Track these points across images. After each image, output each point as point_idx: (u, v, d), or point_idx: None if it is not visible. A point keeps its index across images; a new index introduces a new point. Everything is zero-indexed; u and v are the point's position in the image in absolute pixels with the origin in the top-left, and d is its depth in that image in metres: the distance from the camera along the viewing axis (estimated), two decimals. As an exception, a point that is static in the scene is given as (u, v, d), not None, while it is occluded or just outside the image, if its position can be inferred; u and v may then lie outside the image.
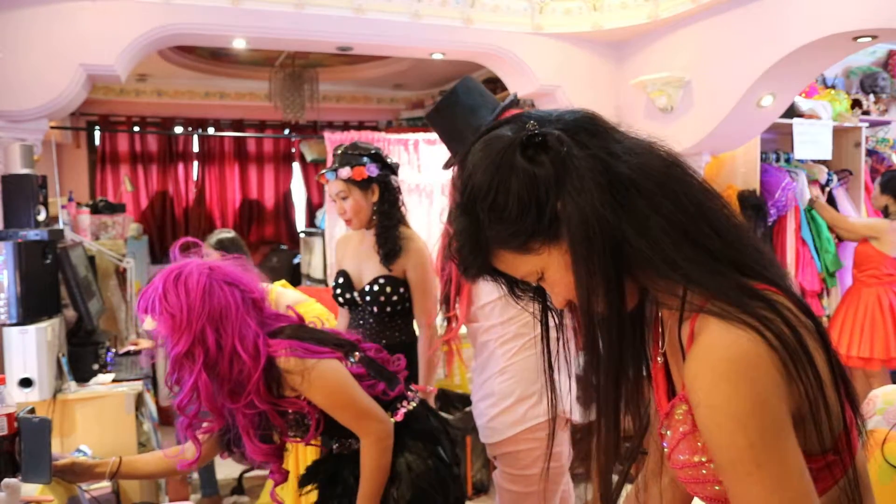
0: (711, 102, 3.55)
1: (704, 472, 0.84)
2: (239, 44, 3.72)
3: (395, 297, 2.39)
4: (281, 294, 3.02)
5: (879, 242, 3.96)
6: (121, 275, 3.82)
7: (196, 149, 6.69)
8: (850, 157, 4.48)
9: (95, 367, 2.82)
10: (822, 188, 4.32)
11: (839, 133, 4.35)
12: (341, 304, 2.50)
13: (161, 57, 5.19)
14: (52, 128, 3.67)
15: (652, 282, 0.86)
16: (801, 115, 4.16)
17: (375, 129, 6.76)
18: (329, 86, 6.33)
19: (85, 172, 6.28)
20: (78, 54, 3.15)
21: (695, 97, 3.65)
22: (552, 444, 1.88)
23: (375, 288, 2.39)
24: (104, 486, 2.15)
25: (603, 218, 0.80)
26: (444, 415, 3.48)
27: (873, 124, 4.70)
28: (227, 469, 3.90)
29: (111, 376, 2.85)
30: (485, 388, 1.92)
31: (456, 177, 0.93)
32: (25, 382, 2.47)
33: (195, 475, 3.44)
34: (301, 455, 2.54)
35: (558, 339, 0.96)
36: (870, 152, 4.65)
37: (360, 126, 6.92)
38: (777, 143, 4.43)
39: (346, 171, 2.37)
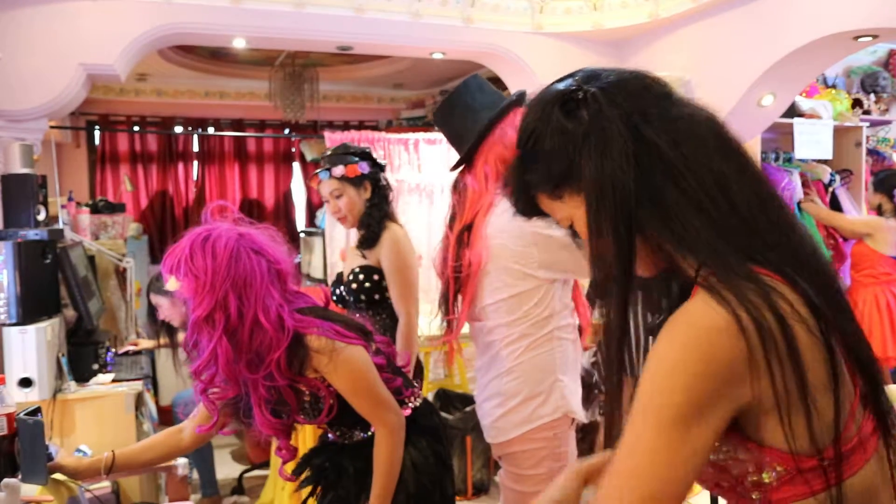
0: (711, 102, 3.51)
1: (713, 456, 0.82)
2: (239, 43, 3.72)
3: (367, 284, 2.47)
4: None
5: (874, 241, 3.95)
6: (121, 275, 3.82)
7: (196, 148, 6.68)
8: (850, 156, 4.47)
9: (95, 366, 2.82)
10: (826, 188, 4.32)
11: (840, 132, 4.35)
12: (335, 302, 2.59)
13: (161, 56, 5.18)
14: (51, 127, 3.67)
15: (672, 253, 0.86)
16: (801, 115, 4.15)
17: (375, 128, 6.76)
18: (329, 85, 6.32)
19: (85, 172, 6.27)
20: (78, 54, 3.14)
21: (695, 96, 3.63)
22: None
23: (352, 276, 2.50)
24: (104, 485, 2.15)
25: (619, 181, 0.81)
26: (444, 415, 3.48)
27: (874, 124, 4.70)
28: (227, 469, 3.90)
29: (111, 376, 2.85)
30: (490, 388, 1.90)
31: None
32: (25, 382, 2.46)
33: (195, 475, 3.44)
34: (301, 442, 2.56)
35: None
36: (870, 152, 4.65)
37: (361, 126, 6.92)
38: (777, 142, 4.42)
39: (339, 170, 2.49)
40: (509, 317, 1.81)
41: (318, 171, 2.55)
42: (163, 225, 6.44)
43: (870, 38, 3.07)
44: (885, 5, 2.79)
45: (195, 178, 6.66)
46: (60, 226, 3.33)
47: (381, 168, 2.60)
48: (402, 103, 7.13)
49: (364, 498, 1.66)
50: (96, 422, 2.62)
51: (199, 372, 1.57)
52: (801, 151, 4.06)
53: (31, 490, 1.63)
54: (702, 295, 0.77)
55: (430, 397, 3.74)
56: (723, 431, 0.76)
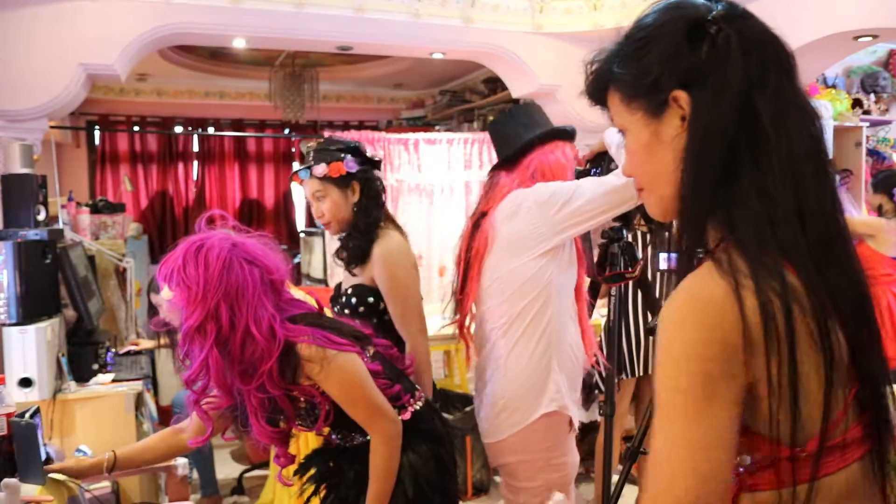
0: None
1: None
2: (239, 43, 3.72)
3: (361, 309, 2.04)
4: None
5: (876, 241, 3.95)
6: (120, 274, 3.82)
7: (196, 148, 6.69)
8: (850, 156, 4.47)
9: (95, 367, 2.81)
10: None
11: (840, 132, 4.35)
12: (338, 316, 2.30)
13: (161, 56, 5.18)
14: (51, 127, 3.67)
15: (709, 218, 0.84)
16: (801, 115, 4.15)
17: (375, 128, 6.76)
18: (329, 85, 6.32)
19: (85, 172, 6.27)
20: (78, 54, 3.14)
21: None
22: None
23: (344, 299, 2.10)
24: (104, 485, 2.15)
25: (719, 132, 0.79)
26: (444, 415, 3.47)
27: (874, 124, 4.70)
28: (227, 469, 3.89)
29: (111, 376, 2.85)
30: (486, 384, 1.92)
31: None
32: (25, 382, 2.46)
33: (195, 475, 3.44)
34: (303, 444, 2.53)
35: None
36: (870, 152, 4.64)
37: (361, 126, 6.92)
38: (777, 142, 4.42)
39: (321, 168, 2.07)
40: (501, 297, 1.87)
41: (298, 168, 2.15)
42: (163, 225, 6.44)
43: (870, 38, 3.07)
44: (885, 5, 2.79)
45: (195, 178, 6.67)
46: (60, 226, 3.33)
47: (375, 164, 2.18)
48: (402, 103, 7.13)
49: (363, 501, 1.66)
50: (96, 422, 2.62)
51: (192, 381, 1.58)
52: (801, 151, 4.05)
53: (30, 490, 1.63)
54: (707, 267, 0.77)
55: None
56: (740, 413, 0.75)
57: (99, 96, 5.87)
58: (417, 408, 1.75)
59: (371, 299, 2.04)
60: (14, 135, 3.08)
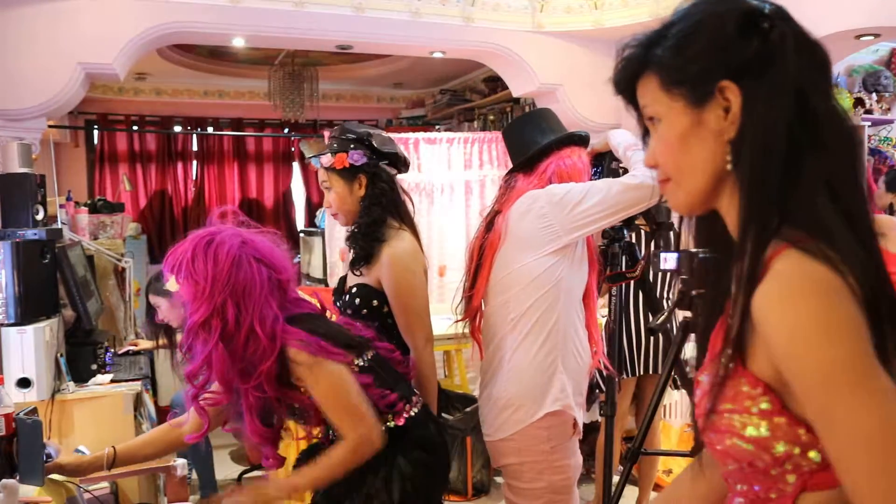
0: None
1: (730, 419, 0.79)
2: (238, 42, 3.71)
3: (365, 311, 1.95)
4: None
5: (887, 240, 3.93)
6: (119, 274, 3.81)
7: (195, 148, 6.68)
8: (852, 156, 4.46)
9: (94, 367, 2.80)
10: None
11: (841, 132, 4.33)
12: (340, 312, 2.18)
13: (160, 55, 5.17)
14: (50, 126, 3.66)
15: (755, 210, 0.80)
16: (802, 114, 4.14)
17: (375, 128, 6.74)
18: (329, 84, 6.31)
19: (83, 171, 6.26)
20: (76, 53, 3.14)
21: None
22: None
23: (347, 298, 2.01)
24: (103, 486, 2.14)
25: (785, 127, 0.77)
26: (444, 415, 3.46)
27: (876, 123, 4.68)
28: (226, 469, 3.89)
29: (110, 376, 2.84)
30: (491, 381, 1.92)
31: None
32: (24, 383, 2.45)
33: (194, 476, 3.43)
34: (293, 449, 2.52)
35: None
36: (872, 151, 4.63)
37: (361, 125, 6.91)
38: (778, 142, 4.41)
39: (326, 159, 2.00)
40: (510, 293, 1.87)
41: (312, 155, 2.08)
42: (162, 224, 6.43)
43: (872, 37, 3.07)
44: (887, 4, 2.78)
45: (194, 177, 6.65)
46: (59, 225, 3.32)
47: (387, 158, 2.06)
48: (402, 102, 7.12)
49: (355, 496, 1.67)
50: (95, 422, 2.61)
51: (193, 376, 1.58)
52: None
53: (29, 490, 1.62)
54: (797, 254, 0.74)
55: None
56: None
57: (98, 95, 5.86)
58: (413, 414, 1.73)
59: (375, 302, 1.96)
60: (12, 134, 3.08)
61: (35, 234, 2.65)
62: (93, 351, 2.82)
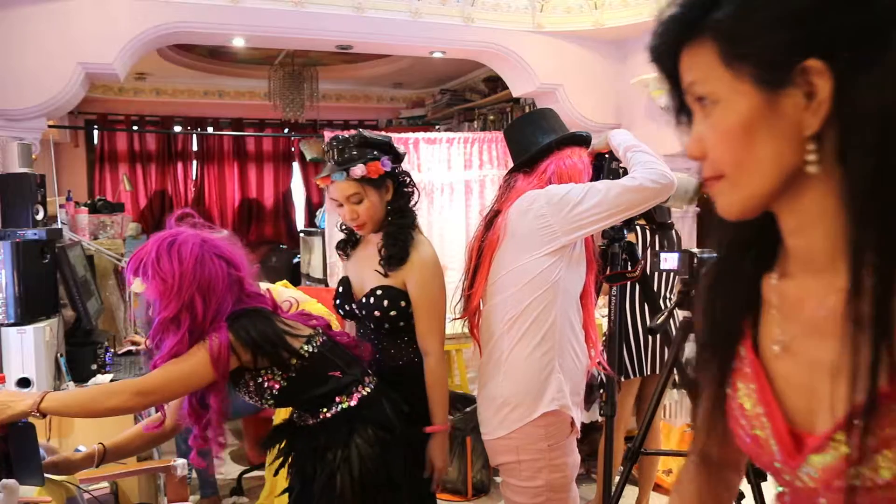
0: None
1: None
2: (238, 42, 3.71)
3: (392, 313, 1.99)
4: (281, 294, 2.99)
5: None
6: (119, 274, 3.81)
7: (195, 148, 6.68)
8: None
9: (94, 367, 2.81)
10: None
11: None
12: (342, 316, 2.21)
13: (160, 55, 5.17)
14: (50, 126, 3.66)
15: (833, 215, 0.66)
16: (802, 114, 4.14)
17: (375, 128, 6.75)
18: (329, 84, 6.31)
19: (83, 171, 6.26)
20: (76, 53, 3.14)
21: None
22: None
23: (371, 300, 2.01)
24: (103, 486, 2.14)
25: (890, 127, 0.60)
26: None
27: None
28: (226, 469, 3.89)
29: (109, 376, 2.84)
30: (489, 380, 1.92)
31: None
32: (23, 382, 2.46)
33: (194, 475, 3.43)
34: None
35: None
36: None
37: (360, 125, 6.91)
38: (778, 142, 4.41)
39: (360, 169, 1.96)
40: (507, 292, 1.88)
41: (331, 172, 2.00)
42: (161, 224, 6.41)
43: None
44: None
45: (194, 177, 6.66)
46: (59, 225, 3.32)
47: (400, 160, 2.09)
48: (402, 102, 7.12)
49: (320, 468, 1.79)
50: (94, 422, 2.59)
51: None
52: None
53: (29, 491, 1.62)
54: None
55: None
56: None
57: (98, 95, 5.86)
58: (365, 393, 1.84)
59: (403, 303, 1.99)
60: (12, 134, 3.07)
61: (35, 234, 2.65)
62: (93, 351, 2.82)
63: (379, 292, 2.00)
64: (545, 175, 1.95)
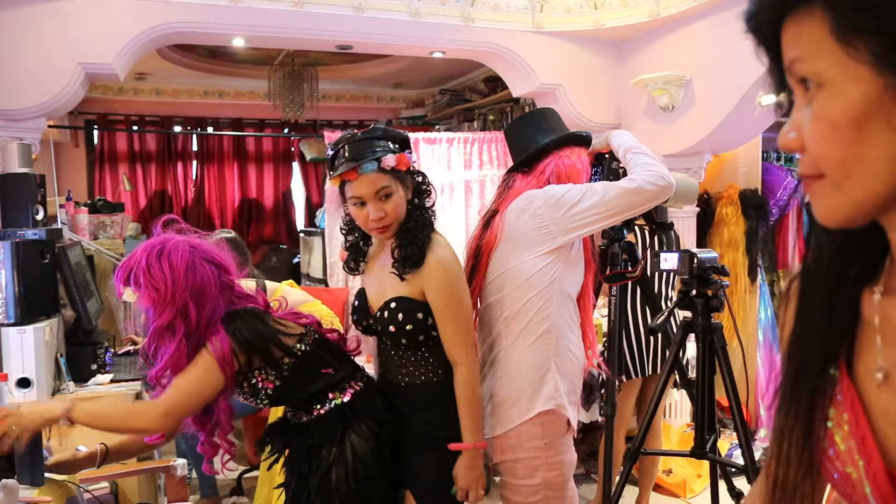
0: (713, 101, 3.54)
1: None
2: (238, 42, 3.71)
3: (409, 327, 1.77)
4: (287, 293, 2.99)
5: None
6: (119, 274, 3.80)
7: (195, 148, 6.68)
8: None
9: (94, 367, 2.81)
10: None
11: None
12: (362, 332, 1.98)
13: (160, 55, 5.17)
14: (50, 127, 3.66)
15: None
16: (802, 114, 4.14)
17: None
18: (329, 84, 6.31)
19: (83, 171, 6.26)
20: (76, 53, 3.13)
21: (696, 96, 3.64)
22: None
23: (385, 314, 1.81)
24: (103, 486, 2.14)
25: None
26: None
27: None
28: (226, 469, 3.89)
29: (109, 376, 2.84)
30: (485, 379, 1.92)
31: None
32: (24, 382, 2.45)
33: (194, 475, 3.43)
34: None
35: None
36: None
37: (360, 125, 6.91)
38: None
39: (392, 159, 1.76)
40: (504, 292, 1.88)
41: (357, 164, 1.75)
42: (161, 225, 6.43)
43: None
44: (887, 4, 2.78)
45: (194, 177, 6.65)
46: (59, 225, 3.32)
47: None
48: (402, 102, 7.12)
49: (315, 464, 1.79)
50: (95, 422, 2.61)
51: (158, 377, 1.69)
52: (801, 151, 4.04)
53: (29, 491, 1.62)
54: None
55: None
56: None
57: (97, 95, 5.86)
58: (358, 388, 1.85)
59: (420, 315, 1.78)
60: (12, 134, 3.07)
61: (35, 234, 2.65)
62: (93, 351, 2.82)
63: (393, 305, 1.80)
64: (544, 175, 1.95)
